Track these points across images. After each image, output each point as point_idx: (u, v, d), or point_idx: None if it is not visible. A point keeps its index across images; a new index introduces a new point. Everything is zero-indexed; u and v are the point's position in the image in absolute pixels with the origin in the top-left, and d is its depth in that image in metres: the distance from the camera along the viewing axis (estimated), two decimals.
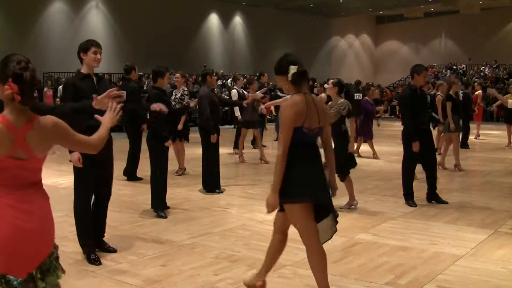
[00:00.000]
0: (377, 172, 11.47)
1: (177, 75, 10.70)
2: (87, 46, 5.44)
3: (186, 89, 10.70)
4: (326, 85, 8.00)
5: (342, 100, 7.71)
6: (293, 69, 4.05)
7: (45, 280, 2.85)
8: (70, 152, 5.25)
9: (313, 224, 4.14)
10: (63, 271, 3.02)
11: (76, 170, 5.43)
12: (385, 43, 48.47)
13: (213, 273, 5.12)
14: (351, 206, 7.88)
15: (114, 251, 5.77)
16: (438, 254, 5.75)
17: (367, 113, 13.72)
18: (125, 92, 4.13)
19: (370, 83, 19.00)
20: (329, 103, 7.97)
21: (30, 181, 2.82)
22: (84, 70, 5.47)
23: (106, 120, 3.36)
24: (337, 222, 4.19)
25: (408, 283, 4.88)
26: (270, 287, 4.83)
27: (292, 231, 6.61)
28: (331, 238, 4.26)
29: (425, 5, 39.91)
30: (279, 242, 4.46)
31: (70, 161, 13.06)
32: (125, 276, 5.06)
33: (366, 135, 13.70)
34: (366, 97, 13.99)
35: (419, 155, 7.86)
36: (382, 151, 14.40)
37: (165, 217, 7.30)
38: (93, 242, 5.55)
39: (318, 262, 4.14)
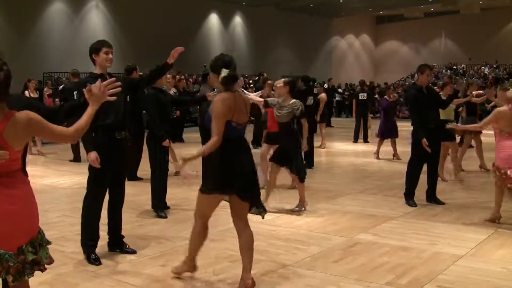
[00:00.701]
0: (378, 172, 11.46)
1: (168, 76, 10.26)
2: (99, 46, 5.43)
3: (175, 91, 10.51)
4: (278, 84, 7.79)
5: (294, 100, 7.54)
6: (224, 72, 4.39)
7: (37, 253, 3.19)
8: (88, 152, 5.25)
9: (210, 214, 4.75)
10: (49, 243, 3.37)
11: (92, 169, 5.39)
12: (385, 43, 48.49)
13: (213, 273, 5.11)
14: (302, 208, 7.72)
15: (133, 252, 5.73)
16: (438, 254, 5.75)
17: (386, 112, 13.60)
18: (120, 83, 4.02)
19: (368, 83, 19.03)
20: (279, 100, 7.77)
21: (11, 169, 3.10)
22: (97, 71, 5.46)
23: (92, 100, 3.50)
24: (263, 211, 4.74)
25: (408, 283, 4.88)
26: (270, 287, 4.83)
27: (289, 231, 6.62)
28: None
29: (425, 5, 39.93)
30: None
31: (70, 160, 13.01)
32: (125, 276, 5.06)
33: (384, 133, 13.43)
34: (385, 97, 13.92)
35: (427, 154, 7.82)
36: (382, 151, 14.39)
37: (165, 217, 7.30)
38: (95, 243, 5.52)
39: (195, 239, 4.81)
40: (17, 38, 24.17)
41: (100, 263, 5.34)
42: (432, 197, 8.17)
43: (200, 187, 4.60)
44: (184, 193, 8.90)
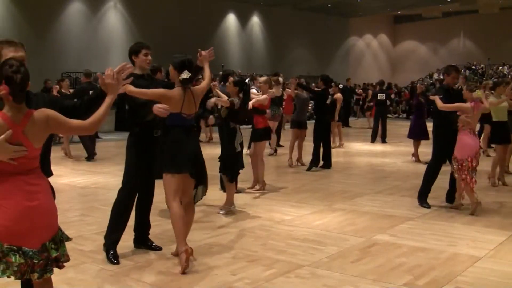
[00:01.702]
0: (395, 172, 11.40)
1: None
2: (138, 48, 5.57)
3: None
4: (227, 84, 7.95)
5: (235, 98, 7.58)
6: (185, 74, 5.11)
7: (58, 250, 3.28)
8: (152, 105, 5.25)
9: (179, 194, 5.23)
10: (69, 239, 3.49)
11: (128, 163, 5.55)
12: (403, 43, 48.20)
13: (231, 273, 5.12)
14: (228, 210, 7.61)
15: (159, 249, 5.82)
16: (456, 255, 5.71)
17: (420, 111, 13.35)
18: (131, 65, 4.09)
19: (383, 85, 18.77)
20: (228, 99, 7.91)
21: (31, 167, 3.21)
22: (137, 71, 5.53)
23: (108, 90, 3.58)
24: (206, 189, 5.68)
25: (426, 284, 4.85)
26: (287, 287, 4.83)
27: (306, 231, 6.61)
28: (201, 198, 5.70)
29: (443, 5, 39.59)
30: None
31: (85, 157, 13.01)
32: (143, 275, 5.08)
33: (416, 134, 13.03)
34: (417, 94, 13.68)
35: (448, 154, 7.77)
36: (399, 151, 14.33)
37: None
38: (119, 238, 5.57)
39: (176, 223, 5.16)
40: (35, 38, 24.36)
41: (118, 262, 5.36)
42: (451, 198, 8.11)
43: (163, 171, 5.22)
44: None
